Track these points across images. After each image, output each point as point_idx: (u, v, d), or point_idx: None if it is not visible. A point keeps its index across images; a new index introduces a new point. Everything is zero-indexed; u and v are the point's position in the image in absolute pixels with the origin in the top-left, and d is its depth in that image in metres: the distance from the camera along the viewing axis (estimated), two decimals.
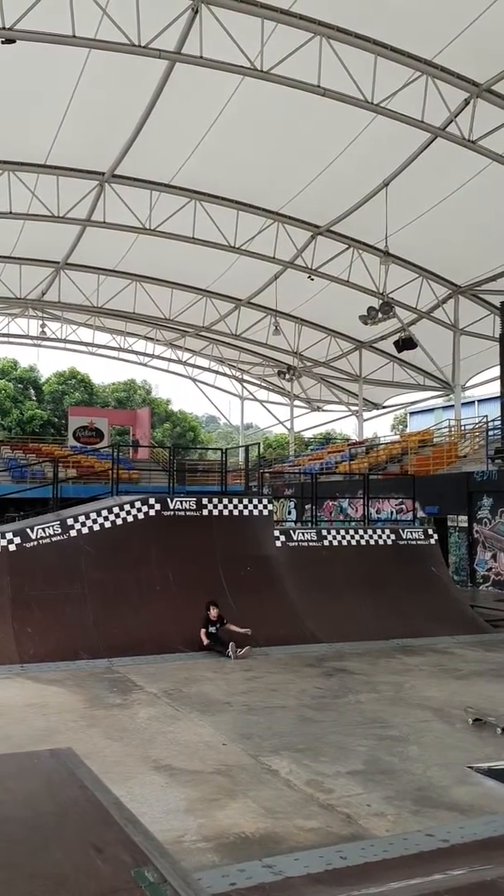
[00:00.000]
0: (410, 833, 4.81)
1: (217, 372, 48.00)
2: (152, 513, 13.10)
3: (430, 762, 6.44)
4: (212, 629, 11.43)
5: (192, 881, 2.08)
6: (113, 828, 2.42)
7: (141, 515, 13.01)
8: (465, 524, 22.13)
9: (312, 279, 29.88)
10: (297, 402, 46.74)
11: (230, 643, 11.05)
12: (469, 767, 6.27)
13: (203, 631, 11.40)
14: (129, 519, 12.92)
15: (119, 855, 2.22)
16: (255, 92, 19.54)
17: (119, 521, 12.82)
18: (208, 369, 47.76)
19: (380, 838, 4.81)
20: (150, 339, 43.04)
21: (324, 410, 47.94)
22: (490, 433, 25.78)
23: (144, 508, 13.07)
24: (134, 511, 12.98)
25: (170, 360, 46.69)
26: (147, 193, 25.68)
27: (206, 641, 11.34)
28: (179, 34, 17.34)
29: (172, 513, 13.32)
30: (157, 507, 13.18)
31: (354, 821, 5.19)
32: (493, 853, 4.26)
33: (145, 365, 47.98)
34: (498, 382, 25.69)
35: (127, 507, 12.99)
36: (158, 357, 46.47)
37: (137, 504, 13.08)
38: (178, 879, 2.05)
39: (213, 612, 11.49)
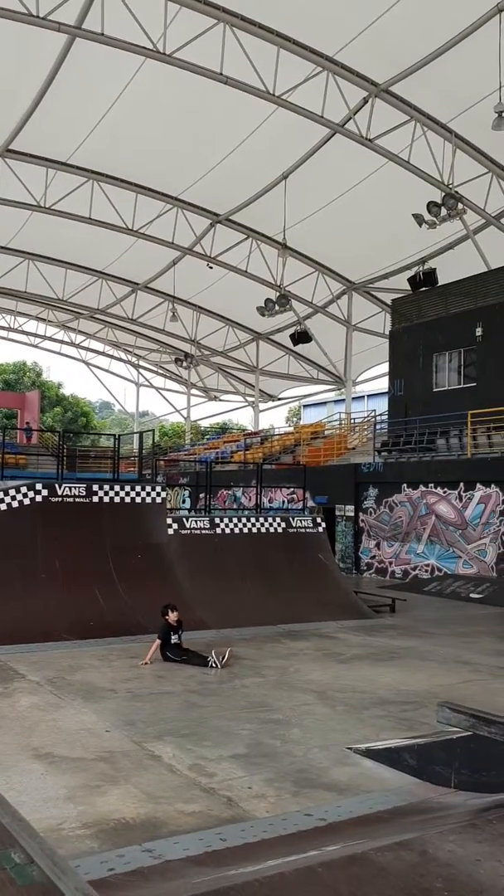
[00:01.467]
0: (290, 813, 4.92)
1: (112, 356, 47.26)
2: (39, 499, 12.75)
3: (311, 744, 6.60)
4: (174, 637, 9.90)
5: (60, 860, 2.05)
6: None
7: (27, 501, 12.64)
8: (352, 514, 22.77)
9: (211, 267, 29.89)
10: (193, 391, 46.68)
11: (212, 651, 9.67)
12: (348, 748, 6.46)
13: (156, 643, 9.80)
14: (14, 504, 12.53)
15: None
16: (157, 75, 19.29)
17: (3, 507, 12.41)
18: (103, 353, 46.95)
19: (259, 819, 4.89)
20: (43, 319, 41.89)
21: (220, 400, 48.14)
22: (377, 427, 26.60)
23: (31, 494, 12.70)
24: (20, 497, 12.60)
25: (62, 342, 45.59)
26: (43, 171, 24.93)
27: (151, 654, 9.68)
28: (80, 8, 16.90)
29: (61, 499, 13.01)
30: (45, 492, 12.84)
31: (235, 803, 5.25)
32: (366, 829, 4.42)
33: (36, 346, 46.66)
34: (386, 378, 26.54)
35: (12, 492, 12.59)
36: (50, 339, 45.29)
37: (23, 489, 12.70)
38: (45, 859, 2.02)
39: (174, 616, 9.99)
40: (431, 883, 2.44)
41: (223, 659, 9.61)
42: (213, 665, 9.48)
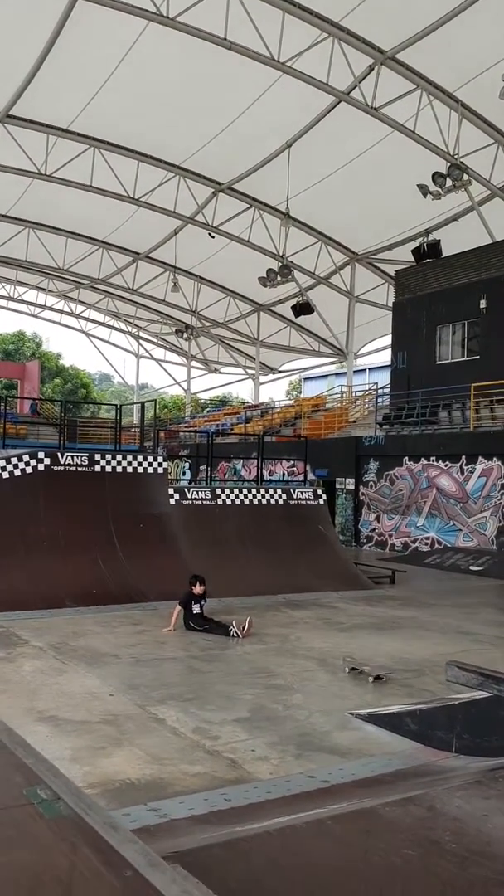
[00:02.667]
0: (293, 775, 4.97)
1: (112, 327, 46.99)
2: (41, 467, 12.76)
3: (313, 709, 6.66)
4: (195, 607, 10.04)
5: (85, 797, 2.08)
6: (2, 752, 2.39)
7: (29, 470, 12.65)
8: (353, 487, 22.81)
9: (213, 237, 29.62)
10: (194, 363, 46.49)
11: (231, 621, 9.74)
12: (350, 714, 6.53)
13: (177, 609, 9.96)
14: (17, 473, 12.54)
15: (10, 776, 2.20)
16: (160, 39, 18.95)
17: (5, 475, 12.42)
18: (103, 324, 46.68)
19: (263, 781, 4.95)
20: (42, 289, 41.62)
21: (221, 373, 47.96)
22: (379, 400, 26.54)
23: (33, 463, 12.70)
24: (22, 465, 12.60)
25: (62, 312, 45.31)
26: (44, 137, 24.61)
27: (174, 621, 9.84)
28: None
29: (63, 468, 13.01)
30: (47, 461, 12.84)
31: (239, 765, 5.31)
32: (370, 790, 4.47)
33: (36, 316, 46.41)
34: (388, 351, 26.44)
35: (14, 460, 12.59)
36: (50, 308, 45.02)
37: (25, 458, 12.70)
38: (72, 796, 2.05)
39: (199, 588, 10.07)
40: (440, 836, 2.47)
41: (244, 628, 9.64)
42: (235, 635, 9.52)
